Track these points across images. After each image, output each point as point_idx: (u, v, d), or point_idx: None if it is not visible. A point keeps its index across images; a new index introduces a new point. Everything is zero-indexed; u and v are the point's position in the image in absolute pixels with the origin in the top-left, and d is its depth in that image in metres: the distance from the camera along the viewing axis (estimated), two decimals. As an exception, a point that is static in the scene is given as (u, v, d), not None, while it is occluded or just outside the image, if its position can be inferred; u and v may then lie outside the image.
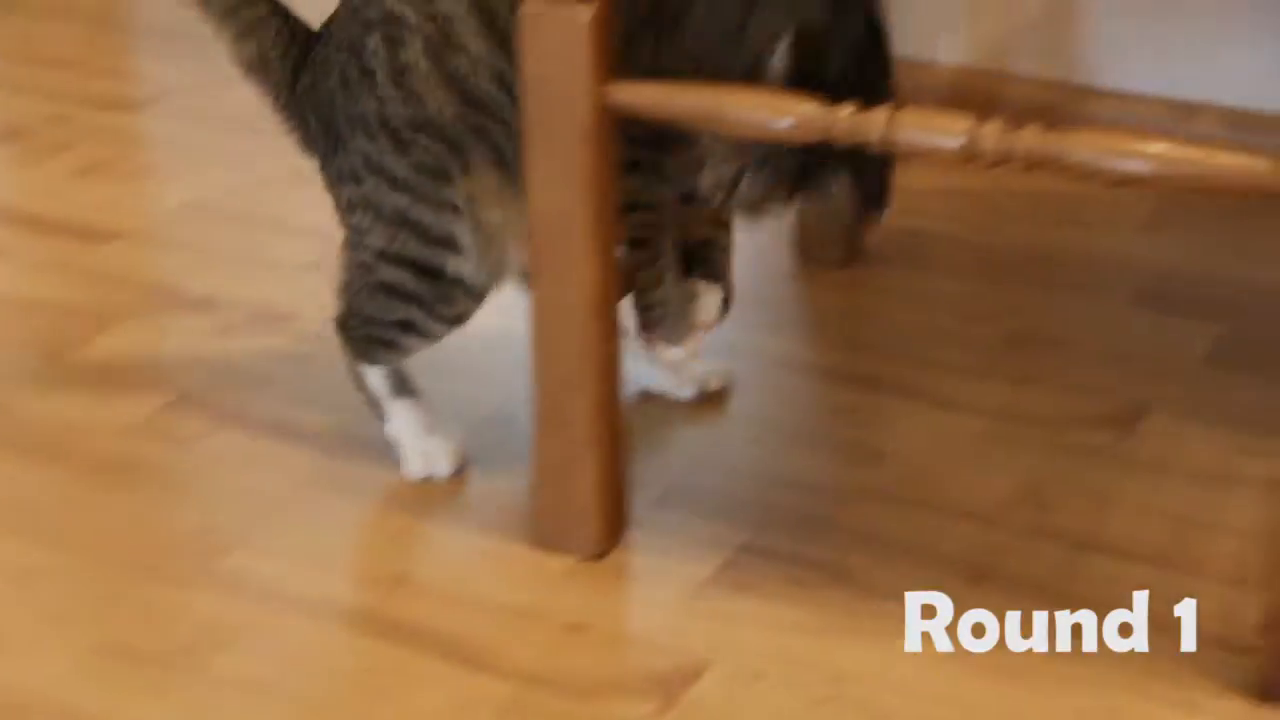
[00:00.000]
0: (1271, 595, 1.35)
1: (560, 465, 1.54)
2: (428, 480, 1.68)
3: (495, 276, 1.64)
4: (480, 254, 1.61)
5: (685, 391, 1.80)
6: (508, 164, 1.58)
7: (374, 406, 1.70)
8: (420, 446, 1.68)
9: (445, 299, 1.62)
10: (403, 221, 1.60)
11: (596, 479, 1.54)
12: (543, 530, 1.58)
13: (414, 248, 1.61)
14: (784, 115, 1.39)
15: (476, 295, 1.63)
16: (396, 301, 1.63)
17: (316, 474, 1.70)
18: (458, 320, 1.65)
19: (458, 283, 1.62)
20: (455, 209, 1.59)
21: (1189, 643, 1.45)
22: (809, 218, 1.99)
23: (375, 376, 1.69)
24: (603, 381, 1.51)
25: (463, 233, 1.60)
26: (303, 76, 1.65)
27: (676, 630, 1.49)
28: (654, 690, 1.42)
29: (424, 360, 1.70)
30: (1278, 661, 1.37)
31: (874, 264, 2.00)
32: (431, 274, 1.62)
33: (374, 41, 1.58)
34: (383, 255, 1.62)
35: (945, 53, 2.23)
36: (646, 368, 1.78)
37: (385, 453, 1.69)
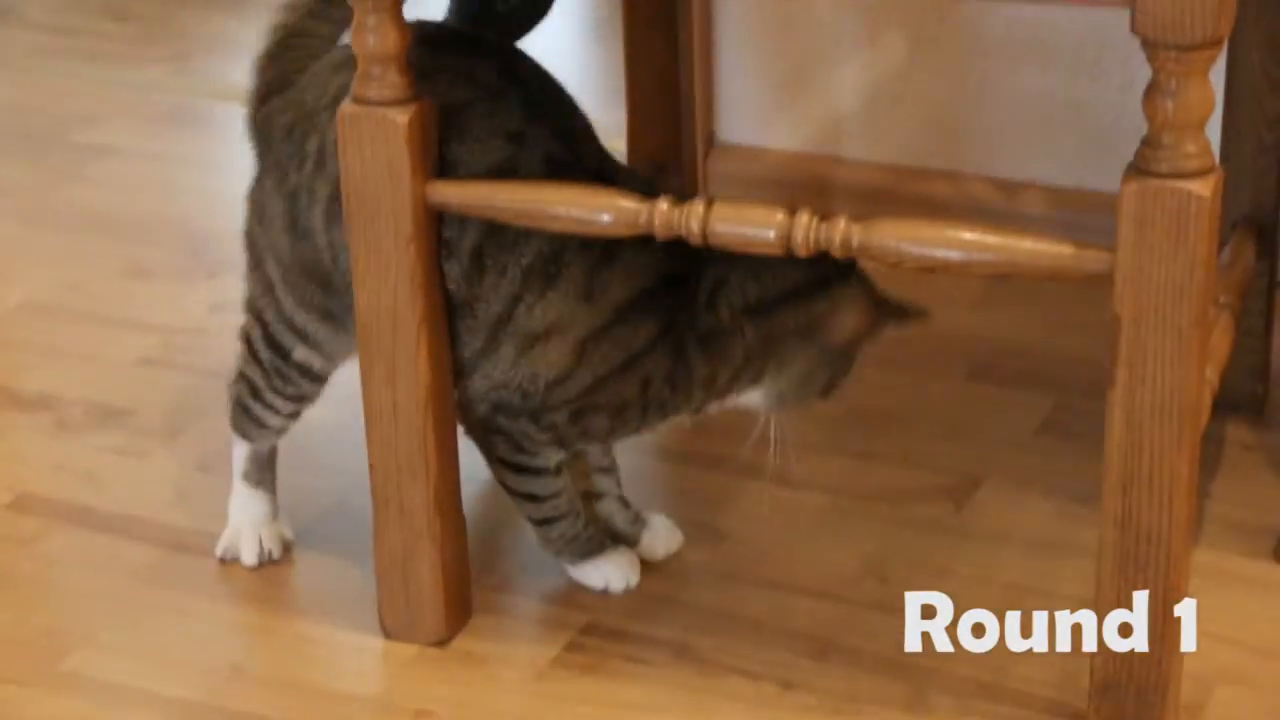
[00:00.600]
0: (1100, 660, 1.38)
1: (401, 554, 1.54)
2: (234, 562, 1.68)
3: (337, 361, 1.64)
4: (335, 353, 1.63)
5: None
6: None
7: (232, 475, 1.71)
8: (234, 531, 1.69)
9: (283, 377, 1.63)
10: (268, 287, 1.61)
11: (437, 566, 1.54)
12: (386, 619, 1.58)
13: (271, 316, 1.62)
14: (603, 210, 1.41)
15: (317, 379, 1.64)
16: (248, 355, 1.65)
17: (157, 570, 1.69)
18: (298, 399, 1.66)
19: (303, 369, 1.63)
20: (327, 315, 1.59)
21: (1024, 709, 1.48)
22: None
23: (237, 454, 1.70)
24: (439, 471, 1.52)
25: (318, 331, 1.61)
26: (270, 102, 1.64)
27: (522, 714, 1.50)
28: (498, 776, 1.43)
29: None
30: (1107, 725, 1.40)
31: (715, 345, 2.02)
32: (276, 347, 1.63)
33: (313, 143, 1.55)
34: (251, 304, 1.63)
35: (777, 138, 2.27)
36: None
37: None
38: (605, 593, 1.63)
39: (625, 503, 1.68)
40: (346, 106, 1.44)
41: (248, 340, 1.64)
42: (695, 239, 1.39)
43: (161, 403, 1.83)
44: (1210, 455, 1.75)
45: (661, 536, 1.69)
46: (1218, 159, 1.28)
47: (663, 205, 1.40)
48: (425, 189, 1.45)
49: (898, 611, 1.59)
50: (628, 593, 1.63)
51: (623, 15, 1.92)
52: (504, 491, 1.60)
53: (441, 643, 1.57)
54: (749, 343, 1.51)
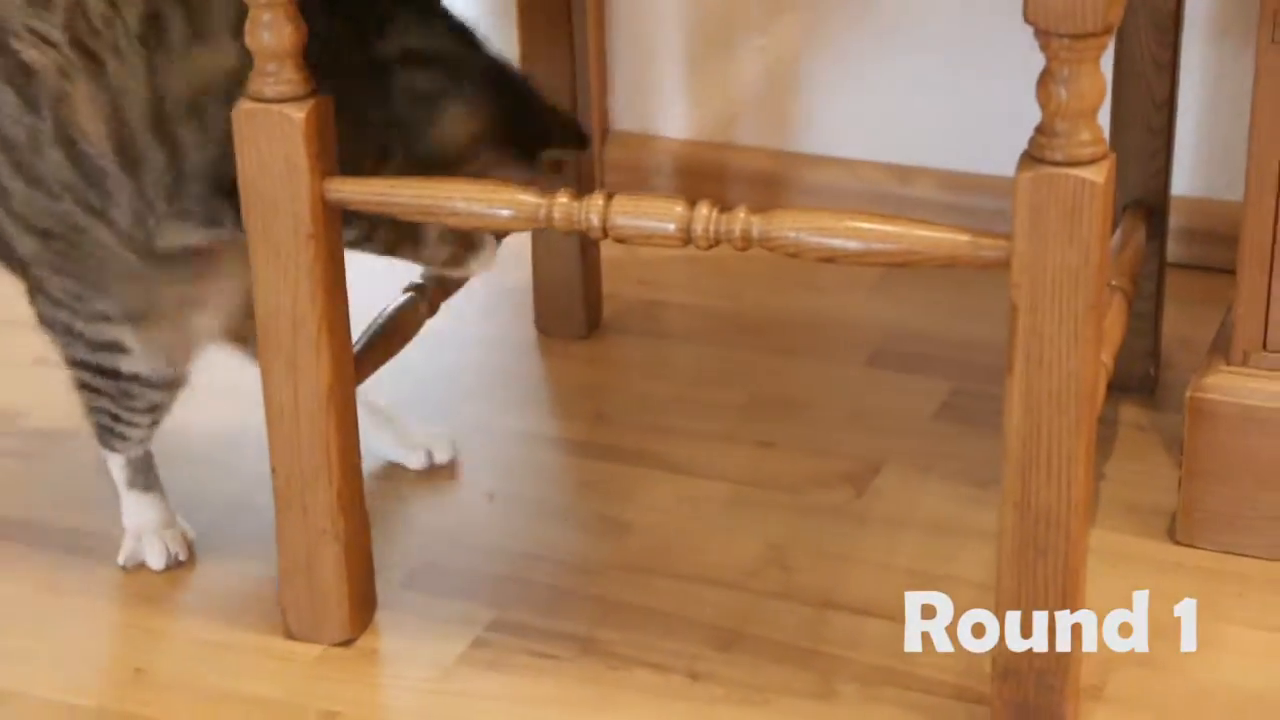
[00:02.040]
0: (999, 647, 1.40)
1: (303, 554, 1.53)
2: (140, 568, 1.66)
3: (181, 362, 1.64)
4: (153, 350, 1.61)
5: (414, 460, 1.80)
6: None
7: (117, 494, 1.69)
8: (137, 535, 1.67)
9: (128, 395, 1.63)
10: (69, 332, 1.60)
11: (341, 565, 1.53)
12: (290, 620, 1.57)
13: (84, 352, 1.61)
14: (503, 205, 1.41)
15: (164, 386, 1.63)
16: (91, 394, 1.64)
17: (55, 574, 1.67)
18: (154, 410, 1.65)
19: (136, 378, 1.62)
20: (107, 318, 1.59)
21: (929, 694, 1.49)
22: (547, 291, 2.01)
23: (115, 466, 1.68)
24: (342, 471, 1.51)
25: (124, 335, 1.60)
26: None
27: (427, 713, 1.49)
28: (406, 775, 1.43)
29: (169, 450, 1.69)
30: (1010, 709, 1.41)
31: (613, 335, 2.03)
32: (108, 373, 1.62)
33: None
34: (68, 361, 1.63)
35: (671, 126, 2.28)
36: (375, 438, 1.79)
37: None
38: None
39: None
40: (243, 104, 1.43)
41: (82, 385, 1.63)
42: (596, 233, 1.39)
43: (56, 403, 1.80)
44: (1104, 437, 1.77)
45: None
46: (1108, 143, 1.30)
47: (562, 199, 1.40)
48: (324, 186, 1.44)
49: (802, 600, 1.61)
50: (536, 587, 1.63)
51: (517, 5, 1.91)
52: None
53: (346, 642, 1.56)
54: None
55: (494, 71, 1.59)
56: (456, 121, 1.55)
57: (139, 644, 1.57)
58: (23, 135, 1.50)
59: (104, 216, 1.53)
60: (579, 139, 1.62)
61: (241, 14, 1.42)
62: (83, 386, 1.64)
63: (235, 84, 1.45)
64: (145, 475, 1.68)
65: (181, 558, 1.67)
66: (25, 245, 1.56)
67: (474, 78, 1.56)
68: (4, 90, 1.49)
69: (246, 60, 1.43)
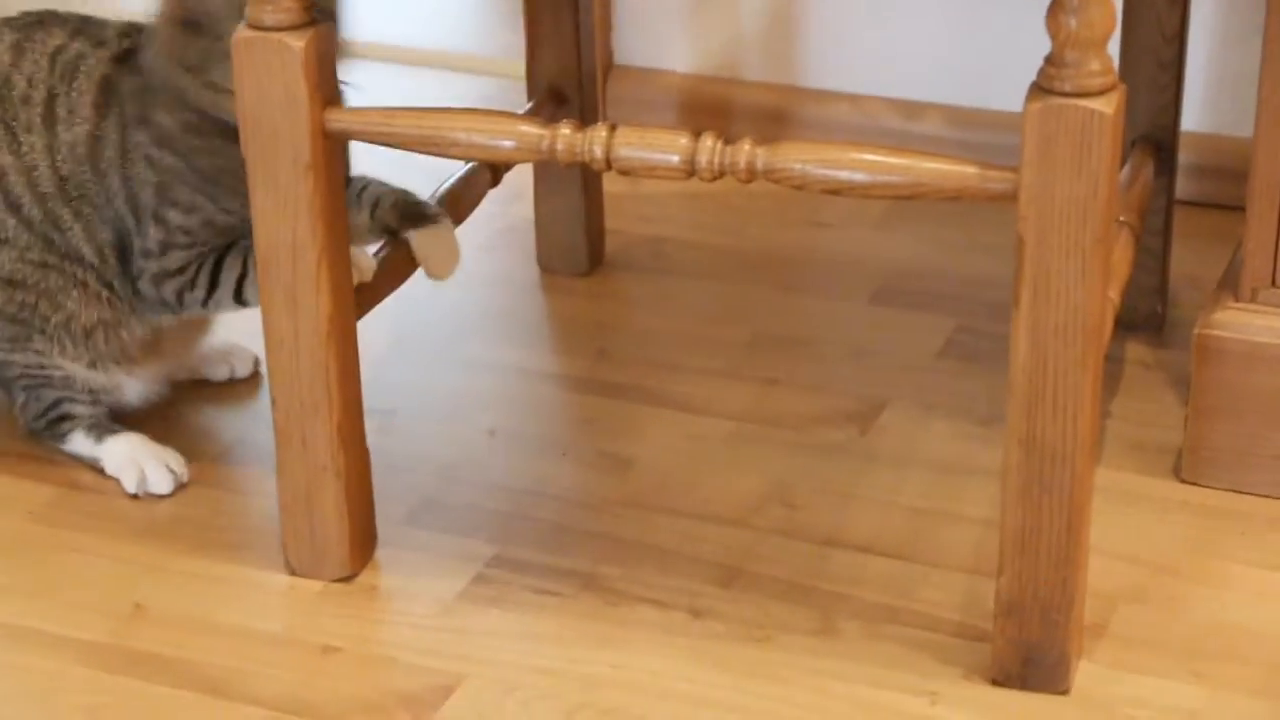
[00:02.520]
0: (1005, 582, 1.39)
1: (304, 489, 1.53)
2: (146, 496, 1.66)
3: (116, 370, 1.68)
4: (84, 360, 1.66)
5: (219, 373, 1.83)
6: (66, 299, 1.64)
7: (95, 467, 1.69)
8: (134, 466, 1.68)
9: (70, 398, 1.67)
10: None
11: (341, 501, 1.53)
12: (291, 555, 1.56)
13: (19, 369, 1.66)
14: (505, 136, 1.40)
15: (104, 391, 1.68)
16: (40, 390, 1.67)
17: (52, 508, 1.67)
18: (100, 404, 1.69)
19: (70, 385, 1.66)
20: (39, 352, 1.64)
21: (931, 631, 1.48)
22: (549, 227, 1.99)
23: (77, 442, 1.70)
24: (342, 404, 1.50)
25: (53, 365, 1.65)
26: None
27: (429, 648, 1.49)
28: (407, 709, 1.42)
29: (163, 389, 1.69)
30: (1012, 647, 1.41)
31: (616, 271, 2.02)
32: (46, 382, 1.66)
33: None
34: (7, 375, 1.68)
35: (675, 61, 2.26)
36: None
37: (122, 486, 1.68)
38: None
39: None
40: (242, 32, 1.41)
41: (26, 388, 1.68)
42: (599, 165, 1.38)
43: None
44: (1110, 374, 1.76)
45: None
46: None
47: (565, 130, 1.39)
48: (324, 116, 1.43)
49: (804, 537, 1.61)
50: (538, 523, 1.62)
51: (519, -63, 1.90)
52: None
53: (347, 578, 1.56)
54: None
55: None
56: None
57: (139, 579, 1.57)
58: None
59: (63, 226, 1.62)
60: None
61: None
62: (26, 389, 1.68)
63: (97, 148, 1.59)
64: (107, 424, 1.70)
65: (184, 478, 1.67)
66: None
67: None
68: None
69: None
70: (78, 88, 1.61)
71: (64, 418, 1.68)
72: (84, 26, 1.64)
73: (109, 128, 1.60)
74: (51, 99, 1.60)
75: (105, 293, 1.64)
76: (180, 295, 1.63)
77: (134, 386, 1.70)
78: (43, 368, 1.65)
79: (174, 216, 1.60)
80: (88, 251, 1.62)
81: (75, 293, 1.63)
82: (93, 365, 1.66)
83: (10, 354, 1.65)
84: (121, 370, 1.68)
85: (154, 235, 1.61)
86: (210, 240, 1.61)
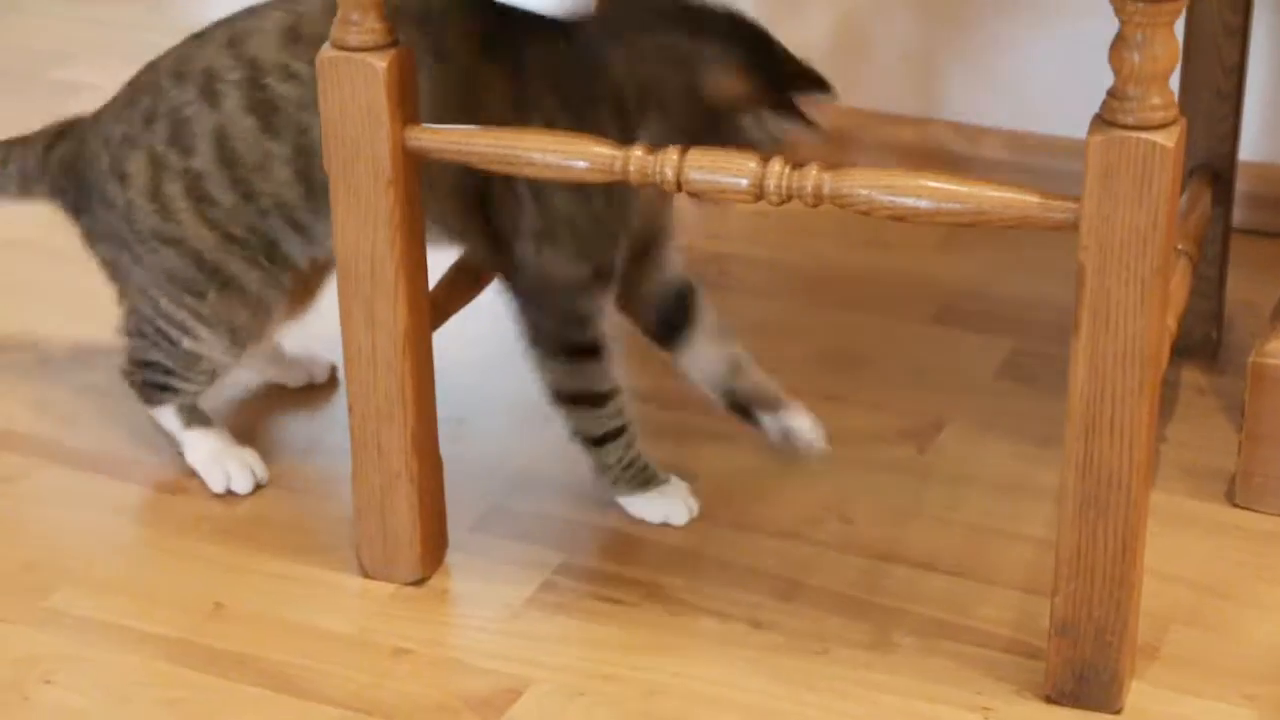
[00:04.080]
0: (1060, 601, 1.42)
1: (378, 494, 1.57)
2: (230, 495, 1.71)
3: (247, 347, 1.70)
4: (223, 345, 1.68)
5: (296, 382, 1.88)
6: (257, 292, 1.66)
7: (173, 443, 1.74)
8: (219, 465, 1.72)
9: (185, 364, 1.69)
10: (144, 296, 1.68)
11: (414, 506, 1.57)
12: (364, 558, 1.60)
13: (151, 316, 1.68)
14: (579, 157, 1.43)
15: (221, 366, 1.71)
16: (148, 344, 1.70)
17: (138, 507, 1.71)
18: (207, 377, 1.71)
19: (196, 356, 1.69)
20: (196, 312, 1.66)
21: (985, 648, 1.52)
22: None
23: (165, 416, 1.74)
24: (417, 413, 1.55)
25: (198, 327, 1.67)
26: (62, 144, 1.72)
27: (497, 652, 1.53)
28: (474, 711, 1.46)
29: (245, 391, 1.72)
30: (1066, 665, 1.44)
31: (683, 288, 2.05)
32: (170, 340, 1.68)
33: (136, 161, 1.64)
34: (134, 311, 1.70)
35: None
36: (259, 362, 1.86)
37: (205, 483, 1.72)
38: (664, 525, 1.66)
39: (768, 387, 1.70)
40: (326, 52, 1.46)
41: (140, 331, 1.70)
42: (669, 186, 1.41)
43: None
44: (1165, 399, 1.79)
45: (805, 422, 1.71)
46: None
47: (637, 152, 1.42)
48: (404, 134, 1.47)
49: (862, 552, 1.64)
50: (603, 532, 1.66)
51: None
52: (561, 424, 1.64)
53: (418, 582, 1.60)
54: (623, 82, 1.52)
55: (734, 23, 1.54)
56: (715, 77, 1.52)
57: (219, 579, 1.61)
58: (255, 157, 1.59)
59: (304, 232, 1.62)
60: (822, 83, 1.53)
61: None
62: (141, 335, 1.70)
63: None
64: (198, 414, 1.74)
65: (263, 479, 1.72)
66: (203, 240, 1.63)
67: (717, 32, 1.53)
68: (246, 117, 1.59)
69: None
70: None
71: (164, 388, 1.71)
72: None
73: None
74: None
75: (283, 274, 1.66)
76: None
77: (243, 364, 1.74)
78: (183, 326, 1.66)
79: (560, 199, 1.55)
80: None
81: (258, 272, 1.65)
82: (232, 342, 1.68)
83: (159, 297, 1.66)
84: (249, 350, 1.71)
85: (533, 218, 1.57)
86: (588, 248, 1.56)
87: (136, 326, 1.70)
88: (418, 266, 1.52)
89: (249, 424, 1.82)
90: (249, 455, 1.73)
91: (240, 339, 1.68)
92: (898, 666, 1.50)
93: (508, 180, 1.53)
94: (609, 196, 1.54)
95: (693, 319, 1.68)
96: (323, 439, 1.81)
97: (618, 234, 1.56)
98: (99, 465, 1.77)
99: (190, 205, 1.62)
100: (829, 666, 1.50)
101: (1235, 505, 1.68)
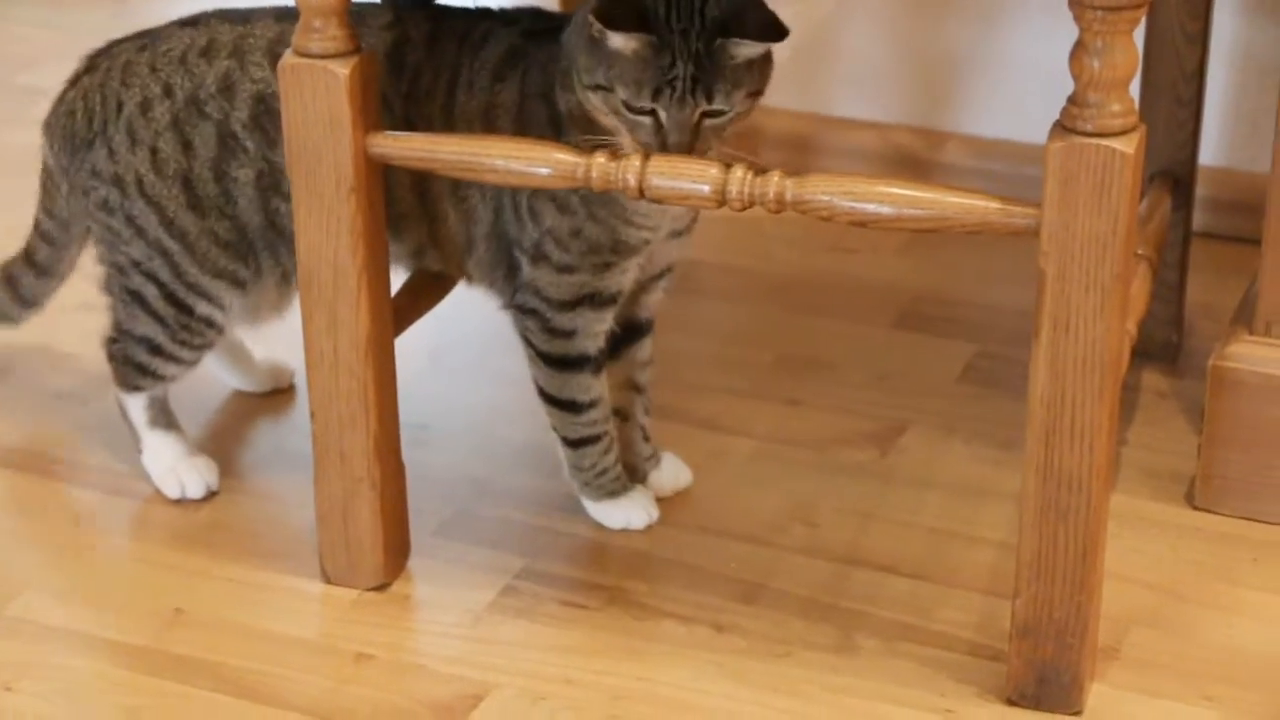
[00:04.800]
0: (1021, 604, 1.43)
1: (340, 500, 1.57)
2: (182, 501, 1.71)
3: (261, 319, 1.70)
4: (243, 313, 1.68)
5: (261, 387, 1.87)
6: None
7: (134, 438, 1.72)
8: (172, 469, 1.71)
9: (189, 330, 1.67)
10: (164, 254, 1.64)
11: (376, 512, 1.57)
12: (326, 563, 1.60)
13: (168, 277, 1.65)
14: (541, 164, 1.43)
15: (223, 330, 1.69)
16: (141, 314, 1.67)
17: (99, 514, 1.71)
18: (203, 348, 1.69)
19: (208, 323, 1.67)
20: (237, 281, 1.64)
21: (947, 650, 1.52)
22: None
23: (135, 407, 1.72)
24: (379, 418, 1.55)
25: (232, 299, 1.65)
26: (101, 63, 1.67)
27: (459, 657, 1.53)
28: (438, 717, 1.46)
29: (207, 396, 1.71)
30: (1027, 667, 1.45)
31: (645, 292, 2.05)
32: (178, 304, 1.66)
33: (203, 132, 1.60)
34: (137, 266, 1.66)
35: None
36: (220, 368, 1.85)
37: (158, 488, 1.72)
38: (625, 530, 1.66)
39: (646, 435, 1.70)
40: (288, 58, 1.46)
41: (140, 300, 1.66)
42: (633, 193, 1.42)
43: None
44: (1126, 402, 1.80)
45: (669, 474, 1.72)
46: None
47: (600, 159, 1.42)
48: (366, 140, 1.47)
49: (825, 556, 1.64)
50: (566, 537, 1.66)
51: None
52: (543, 412, 1.63)
53: (380, 587, 1.60)
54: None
55: None
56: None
57: (180, 585, 1.61)
58: None
59: None
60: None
61: None
62: (137, 301, 1.66)
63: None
64: (165, 414, 1.73)
65: (215, 487, 1.71)
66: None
67: None
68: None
69: None
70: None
71: (144, 370, 1.69)
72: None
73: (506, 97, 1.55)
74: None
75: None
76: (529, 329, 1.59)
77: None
78: (194, 288, 1.64)
79: (548, 214, 1.54)
80: None
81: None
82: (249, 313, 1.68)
83: (183, 264, 1.63)
84: (249, 323, 1.70)
85: (530, 232, 1.55)
86: (581, 263, 1.55)
87: (136, 293, 1.67)
88: (380, 272, 1.52)
89: (212, 429, 1.82)
90: (203, 463, 1.72)
91: (239, 309, 1.67)
92: (860, 669, 1.50)
93: (516, 207, 1.55)
94: (599, 223, 1.53)
95: (630, 350, 1.67)
96: (284, 444, 1.80)
97: (613, 263, 1.56)
98: (61, 472, 1.77)
99: (253, 183, 1.61)
100: (792, 669, 1.51)
101: (1195, 507, 1.69)
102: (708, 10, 1.41)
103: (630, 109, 1.42)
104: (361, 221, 1.49)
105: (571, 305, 1.56)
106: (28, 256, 1.77)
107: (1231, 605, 1.57)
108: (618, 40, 1.41)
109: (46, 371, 1.92)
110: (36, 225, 1.74)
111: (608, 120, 1.45)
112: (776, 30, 1.41)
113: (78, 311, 1.95)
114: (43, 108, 1.70)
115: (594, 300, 1.57)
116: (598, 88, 1.44)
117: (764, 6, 1.42)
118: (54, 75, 1.73)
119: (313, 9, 1.44)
